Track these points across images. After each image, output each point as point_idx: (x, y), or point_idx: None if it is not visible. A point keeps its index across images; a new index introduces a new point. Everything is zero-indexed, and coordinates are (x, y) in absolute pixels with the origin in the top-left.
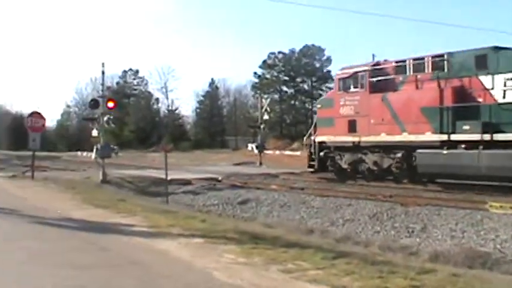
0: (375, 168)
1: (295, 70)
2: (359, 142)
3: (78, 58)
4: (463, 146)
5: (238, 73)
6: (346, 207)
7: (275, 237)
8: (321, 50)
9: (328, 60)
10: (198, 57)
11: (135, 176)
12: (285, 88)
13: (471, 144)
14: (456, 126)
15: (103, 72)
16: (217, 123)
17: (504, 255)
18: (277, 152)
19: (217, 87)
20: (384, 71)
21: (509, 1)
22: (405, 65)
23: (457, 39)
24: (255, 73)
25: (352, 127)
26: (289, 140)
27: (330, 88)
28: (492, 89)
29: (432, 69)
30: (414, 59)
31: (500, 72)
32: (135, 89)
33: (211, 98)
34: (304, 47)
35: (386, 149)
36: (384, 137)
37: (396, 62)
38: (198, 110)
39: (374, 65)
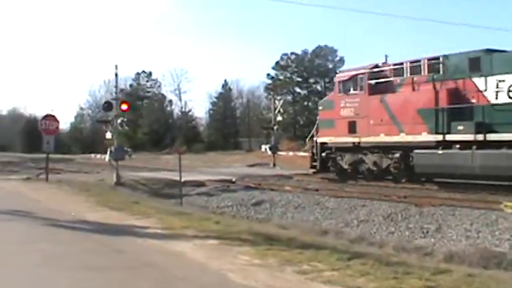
0: (375, 168)
1: (308, 71)
2: (359, 143)
3: (92, 60)
4: (457, 146)
5: (251, 74)
6: (360, 208)
7: (290, 239)
8: (333, 51)
9: (341, 61)
10: (211, 59)
11: (148, 178)
12: (298, 89)
13: (465, 144)
14: (451, 127)
15: (116, 75)
16: (230, 124)
17: None
18: (291, 153)
19: (230, 89)
20: (382, 73)
21: None
22: (403, 68)
23: (471, 39)
24: (268, 74)
25: (352, 128)
26: (302, 141)
27: None
28: (485, 90)
29: (428, 72)
30: (411, 62)
31: (493, 74)
32: (149, 91)
33: (224, 100)
34: (317, 47)
35: (385, 149)
36: (382, 138)
37: (394, 64)
38: (211, 112)
39: (373, 68)
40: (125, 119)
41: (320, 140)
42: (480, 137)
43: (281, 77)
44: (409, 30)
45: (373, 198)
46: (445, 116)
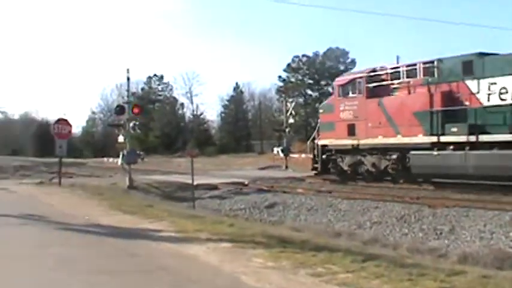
0: (373, 169)
1: (320, 73)
2: (358, 145)
3: (104, 64)
4: (451, 147)
5: (262, 77)
6: (373, 210)
7: (303, 241)
8: (345, 53)
9: (353, 62)
10: (223, 62)
11: (161, 182)
12: (309, 91)
13: (459, 146)
14: (445, 129)
15: (128, 79)
16: (242, 127)
17: None
18: (303, 156)
19: (241, 92)
20: (379, 77)
21: None
22: (399, 71)
23: (483, 39)
24: (280, 77)
25: (351, 131)
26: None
27: None
28: (478, 93)
29: (424, 75)
30: (407, 66)
31: (485, 77)
32: (160, 95)
33: (236, 102)
34: (328, 49)
35: (383, 151)
36: (380, 140)
37: (391, 68)
38: (223, 115)
39: (370, 72)
40: (137, 123)
41: (321, 142)
42: (473, 138)
43: (292, 80)
44: (421, 31)
45: (385, 200)
46: (439, 118)
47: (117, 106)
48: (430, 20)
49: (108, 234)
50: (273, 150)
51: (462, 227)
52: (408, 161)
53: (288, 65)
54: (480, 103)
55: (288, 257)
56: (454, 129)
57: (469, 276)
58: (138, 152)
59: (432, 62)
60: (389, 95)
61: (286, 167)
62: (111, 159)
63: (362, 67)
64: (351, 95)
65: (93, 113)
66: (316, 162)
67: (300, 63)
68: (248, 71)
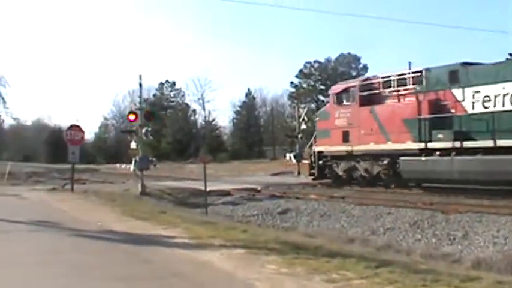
0: (366, 174)
1: (332, 79)
2: (352, 151)
3: (116, 71)
4: (438, 153)
5: (274, 83)
6: (386, 216)
7: (316, 247)
8: (356, 58)
9: (365, 68)
10: (234, 68)
11: (173, 188)
12: (321, 97)
13: (445, 151)
14: (432, 135)
15: (140, 85)
16: (254, 133)
17: None
18: None
19: (254, 98)
20: (372, 85)
21: None
22: (390, 80)
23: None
24: (292, 82)
25: (345, 137)
26: None
27: None
28: (463, 100)
29: (413, 84)
30: (398, 75)
31: (470, 86)
32: (172, 101)
33: (248, 108)
34: (339, 55)
35: (375, 157)
36: (372, 146)
37: (383, 77)
38: (235, 121)
39: (364, 81)
40: (150, 129)
41: (317, 148)
42: (458, 144)
43: (304, 85)
44: (434, 36)
45: (398, 206)
46: (427, 125)
47: (130, 112)
48: (444, 26)
49: (121, 240)
50: (285, 156)
51: (475, 233)
52: (398, 166)
53: (300, 70)
54: (465, 111)
55: (302, 263)
56: (441, 136)
57: (484, 282)
58: (150, 158)
59: (420, 71)
60: (380, 103)
61: (299, 173)
62: (123, 166)
63: (374, 72)
64: (345, 103)
65: (105, 119)
66: (313, 168)
67: (312, 69)
68: (260, 77)
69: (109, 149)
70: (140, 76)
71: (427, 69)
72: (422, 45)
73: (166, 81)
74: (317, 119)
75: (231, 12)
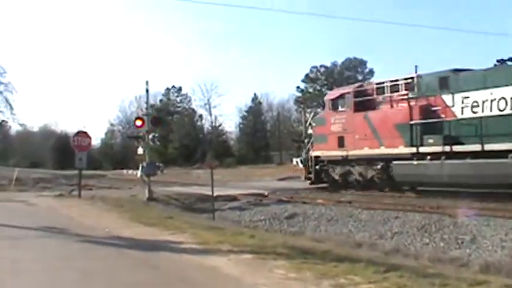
0: (361, 178)
1: (338, 83)
2: (347, 156)
3: (122, 77)
4: (428, 157)
5: (280, 87)
6: (393, 220)
7: (324, 252)
8: (363, 63)
9: (371, 72)
10: (241, 73)
11: (180, 193)
12: None
13: (436, 156)
14: (423, 140)
15: (147, 91)
16: (260, 138)
17: None
18: None
19: (260, 102)
20: (366, 92)
21: None
22: (383, 86)
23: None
24: (298, 87)
25: (341, 142)
26: None
27: None
28: (453, 106)
29: (405, 90)
30: (391, 81)
31: (459, 91)
32: (179, 106)
33: (254, 113)
34: (346, 59)
35: (369, 161)
36: (366, 151)
37: (376, 83)
38: (241, 126)
39: (358, 87)
40: (156, 135)
41: (314, 153)
42: (447, 148)
43: (311, 90)
44: (440, 40)
45: (406, 210)
46: (418, 130)
47: (137, 118)
48: (450, 29)
49: (129, 246)
50: (292, 161)
51: (483, 236)
52: (391, 170)
53: (306, 75)
54: (455, 116)
55: (310, 268)
56: (431, 141)
57: (492, 285)
58: (157, 163)
59: (412, 78)
60: (374, 109)
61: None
62: (130, 171)
63: (381, 77)
64: (340, 108)
65: (112, 125)
66: (310, 173)
67: (318, 73)
68: (266, 82)
69: (115, 154)
70: (147, 82)
71: (419, 76)
72: (430, 49)
73: (173, 86)
74: (314, 124)
75: (237, 17)
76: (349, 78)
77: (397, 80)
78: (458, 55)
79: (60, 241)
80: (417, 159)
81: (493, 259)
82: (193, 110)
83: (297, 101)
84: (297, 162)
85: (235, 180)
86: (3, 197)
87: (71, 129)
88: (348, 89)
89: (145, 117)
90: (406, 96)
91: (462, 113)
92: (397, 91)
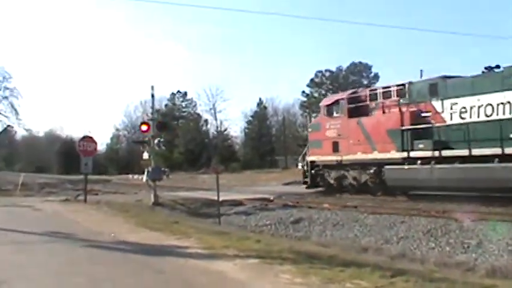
0: (355, 182)
1: (343, 88)
2: (341, 160)
3: (127, 82)
4: (419, 161)
5: (286, 92)
6: (399, 225)
7: (330, 256)
8: (368, 67)
9: (376, 77)
10: (246, 78)
11: (186, 198)
12: None
13: (426, 160)
14: (414, 145)
15: (153, 96)
16: (266, 143)
17: None
18: None
19: (265, 107)
20: (359, 98)
21: None
22: (376, 93)
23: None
24: (303, 92)
25: (335, 147)
26: None
27: None
28: (442, 112)
29: (397, 96)
30: (383, 88)
31: (448, 98)
32: (184, 111)
33: (259, 118)
34: (351, 64)
35: (363, 166)
36: (360, 156)
37: (370, 90)
38: (246, 130)
39: (352, 93)
40: (162, 139)
41: (310, 158)
42: (437, 153)
43: (316, 94)
44: (445, 45)
45: (412, 214)
46: (409, 136)
47: (142, 123)
48: (455, 33)
49: (135, 251)
50: (297, 166)
51: (489, 241)
52: (383, 174)
53: (311, 80)
54: (444, 121)
55: (316, 272)
56: (421, 146)
57: None
58: (162, 168)
59: (404, 84)
60: (367, 114)
61: None
62: (135, 176)
63: (386, 82)
64: (335, 114)
65: (117, 130)
66: (307, 177)
67: (323, 78)
68: (271, 87)
69: (121, 159)
70: (152, 87)
71: (410, 83)
72: (434, 54)
73: (178, 91)
74: (309, 130)
75: (242, 22)
76: (354, 83)
77: (389, 87)
78: (464, 59)
79: (66, 246)
80: (408, 164)
81: (500, 264)
82: (198, 114)
83: (302, 105)
84: (302, 166)
85: (240, 185)
86: (9, 202)
87: (76, 134)
88: (342, 95)
89: (150, 122)
90: (397, 103)
91: (451, 119)
92: (389, 97)
